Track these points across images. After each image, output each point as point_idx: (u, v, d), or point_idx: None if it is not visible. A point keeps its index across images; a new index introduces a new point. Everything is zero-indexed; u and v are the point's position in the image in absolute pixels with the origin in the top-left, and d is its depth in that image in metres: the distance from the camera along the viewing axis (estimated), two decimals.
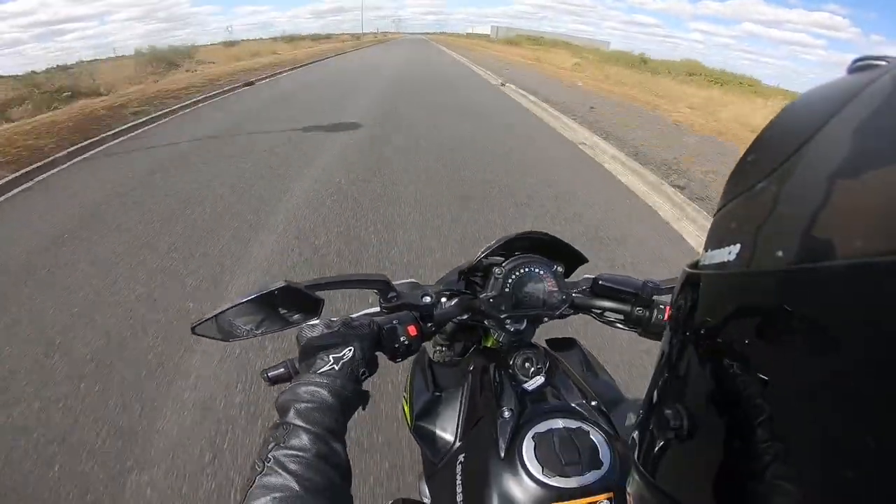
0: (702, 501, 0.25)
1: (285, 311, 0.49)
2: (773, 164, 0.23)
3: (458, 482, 0.53)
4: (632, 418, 0.34)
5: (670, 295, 0.62)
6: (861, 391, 0.17)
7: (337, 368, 0.48)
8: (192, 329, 0.47)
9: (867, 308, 0.17)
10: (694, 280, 0.27)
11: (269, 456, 0.40)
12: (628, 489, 0.33)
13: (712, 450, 0.24)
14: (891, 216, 0.16)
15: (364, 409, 0.51)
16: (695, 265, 0.28)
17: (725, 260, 0.24)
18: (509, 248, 0.65)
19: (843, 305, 0.17)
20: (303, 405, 0.44)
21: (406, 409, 0.70)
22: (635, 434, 0.33)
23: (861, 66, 0.23)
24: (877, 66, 0.22)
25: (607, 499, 0.46)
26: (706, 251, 0.27)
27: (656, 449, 0.29)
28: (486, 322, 0.68)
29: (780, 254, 0.20)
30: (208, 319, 0.47)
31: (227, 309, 0.47)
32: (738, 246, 0.23)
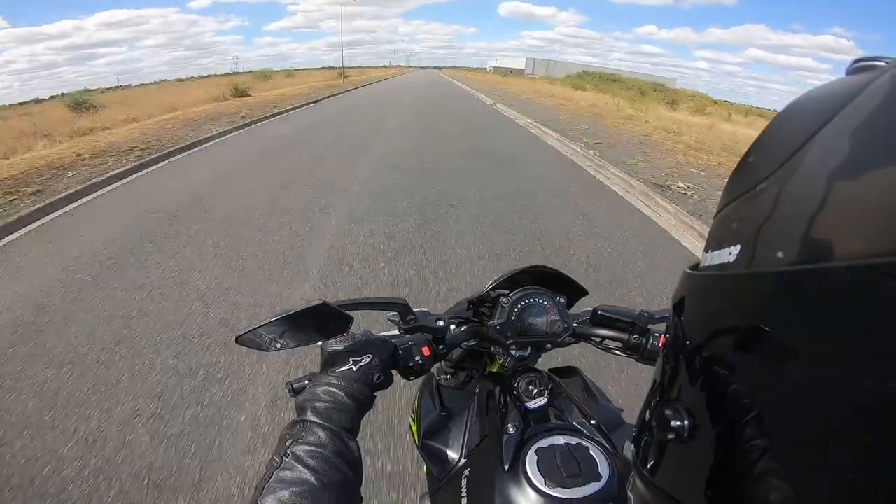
0: (702, 502, 0.25)
1: (316, 327, 0.53)
2: (773, 165, 0.23)
3: (463, 495, 0.56)
4: (629, 445, 0.35)
5: (664, 324, 0.66)
6: (861, 391, 0.16)
7: (355, 370, 0.51)
8: (237, 339, 0.50)
9: (867, 309, 0.17)
10: (694, 282, 0.28)
11: (288, 451, 0.42)
12: (629, 490, 0.33)
13: (713, 450, 0.24)
14: (890, 217, 0.16)
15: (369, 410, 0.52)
16: (695, 267, 0.28)
17: (725, 261, 0.24)
18: (515, 280, 0.70)
19: (843, 306, 0.17)
20: (321, 404, 0.46)
21: (413, 427, 0.74)
22: (635, 434, 0.33)
23: (860, 67, 0.23)
24: (875, 66, 0.22)
25: None
26: (706, 252, 0.27)
27: (656, 449, 0.29)
28: (492, 348, 0.71)
29: (780, 255, 0.20)
30: (251, 331, 0.50)
31: (269, 322, 0.49)
32: (738, 247, 0.23)
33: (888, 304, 0.16)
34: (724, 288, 0.25)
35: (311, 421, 0.45)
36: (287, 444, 0.43)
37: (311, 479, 0.40)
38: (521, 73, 77.30)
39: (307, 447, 0.42)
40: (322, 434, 0.44)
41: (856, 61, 0.23)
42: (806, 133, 0.22)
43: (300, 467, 0.40)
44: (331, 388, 0.48)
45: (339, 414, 0.46)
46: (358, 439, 0.48)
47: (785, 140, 0.23)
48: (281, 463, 0.41)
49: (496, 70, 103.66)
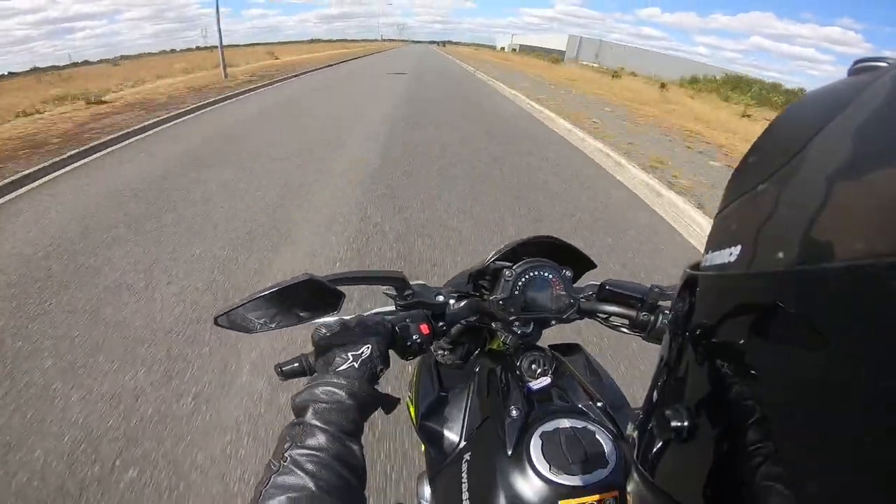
0: (701, 502, 0.25)
1: (305, 304, 0.50)
2: (774, 166, 0.23)
3: (464, 480, 0.54)
4: (632, 428, 0.34)
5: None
6: (863, 391, 0.17)
7: (356, 366, 0.48)
8: (215, 320, 0.47)
9: (867, 309, 0.17)
10: (695, 282, 0.28)
11: (286, 455, 0.40)
12: (628, 488, 0.33)
13: (712, 450, 0.24)
14: (891, 218, 0.16)
15: (388, 412, 0.51)
16: (696, 267, 0.28)
17: (726, 261, 0.24)
18: (518, 252, 0.66)
19: (843, 307, 0.17)
20: (321, 405, 0.44)
21: (411, 409, 0.72)
22: (635, 434, 0.33)
23: (861, 67, 0.23)
24: (877, 67, 0.22)
25: (612, 497, 0.46)
26: (707, 253, 0.27)
27: (656, 449, 0.29)
28: (493, 324, 0.69)
29: (780, 255, 0.20)
30: (231, 310, 0.47)
31: (250, 300, 0.47)
32: (739, 247, 0.23)
33: (889, 305, 0.16)
34: (724, 288, 0.25)
35: (310, 423, 0.43)
36: (285, 447, 0.41)
37: (310, 484, 0.38)
38: (557, 56, 49.60)
39: (306, 451, 0.41)
40: (322, 437, 0.42)
41: (857, 62, 0.23)
42: (807, 133, 0.22)
43: (299, 472, 0.39)
44: (331, 389, 0.46)
45: (339, 416, 0.44)
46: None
47: (786, 140, 0.23)
48: (279, 467, 0.40)
49: (522, 49, 70.89)
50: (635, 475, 0.32)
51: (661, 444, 0.28)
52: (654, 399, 0.31)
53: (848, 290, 0.17)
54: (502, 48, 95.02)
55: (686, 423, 0.26)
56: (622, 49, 65.20)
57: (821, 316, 0.18)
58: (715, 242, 0.26)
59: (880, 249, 0.16)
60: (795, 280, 0.19)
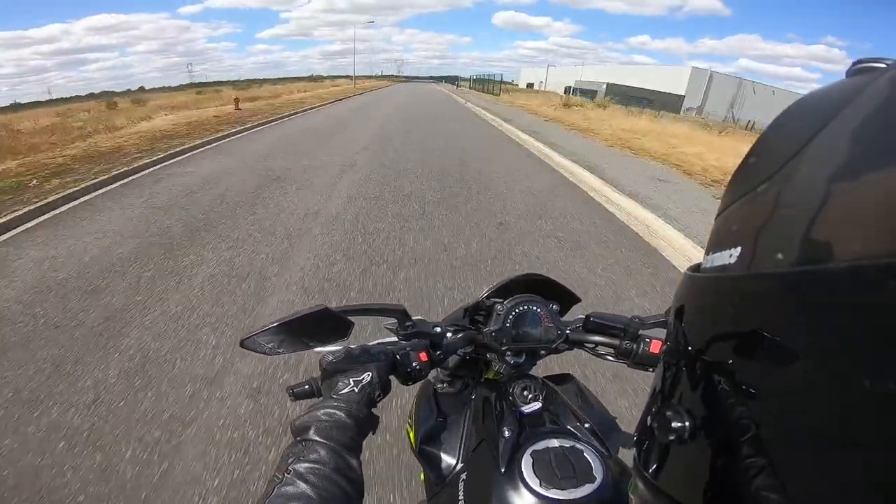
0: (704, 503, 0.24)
1: (318, 332, 0.54)
2: (774, 167, 0.23)
3: (461, 498, 0.57)
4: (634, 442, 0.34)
5: (655, 329, 0.66)
6: (862, 392, 0.16)
7: (356, 391, 0.52)
8: (241, 343, 0.52)
9: (867, 310, 0.16)
10: (695, 283, 0.28)
11: (290, 468, 0.42)
12: (630, 492, 0.33)
13: (715, 453, 0.24)
14: (890, 218, 0.16)
15: (374, 433, 0.53)
16: (696, 268, 0.28)
17: (726, 263, 0.24)
18: (509, 288, 0.72)
19: (843, 307, 0.17)
20: (321, 424, 0.47)
21: (411, 433, 0.75)
22: (637, 437, 0.32)
23: (859, 68, 0.23)
24: (875, 68, 0.22)
25: None
26: (707, 254, 0.27)
27: (659, 452, 0.29)
28: (488, 355, 0.72)
29: (780, 256, 0.20)
30: (254, 335, 0.51)
31: (271, 327, 0.51)
32: (739, 248, 0.23)
33: (888, 305, 0.16)
34: (724, 289, 0.25)
35: (312, 440, 0.46)
36: (289, 461, 0.44)
37: (311, 494, 0.40)
38: (665, 104, 31.18)
39: (308, 464, 0.43)
40: (322, 452, 0.45)
41: (856, 62, 0.23)
42: (806, 134, 0.22)
43: (301, 483, 0.41)
44: (331, 410, 0.49)
45: (339, 432, 0.47)
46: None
47: (785, 141, 0.23)
48: (282, 479, 0.42)
49: (610, 90, 39.03)
50: (638, 479, 0.31)
51: (663, 446, 0.28)
52: (656, 401, 0.30)
53: (848, 290, 0.17)
54: (529, 85, 64.38)
55: (687, 424, 0.26)
56: (768, 92, 39.30)
57: (821, 316, 0.18)
58: (715, 243, 0.26)
59: (880, 250, 0.16)
60: (796, 280, 0.19)
